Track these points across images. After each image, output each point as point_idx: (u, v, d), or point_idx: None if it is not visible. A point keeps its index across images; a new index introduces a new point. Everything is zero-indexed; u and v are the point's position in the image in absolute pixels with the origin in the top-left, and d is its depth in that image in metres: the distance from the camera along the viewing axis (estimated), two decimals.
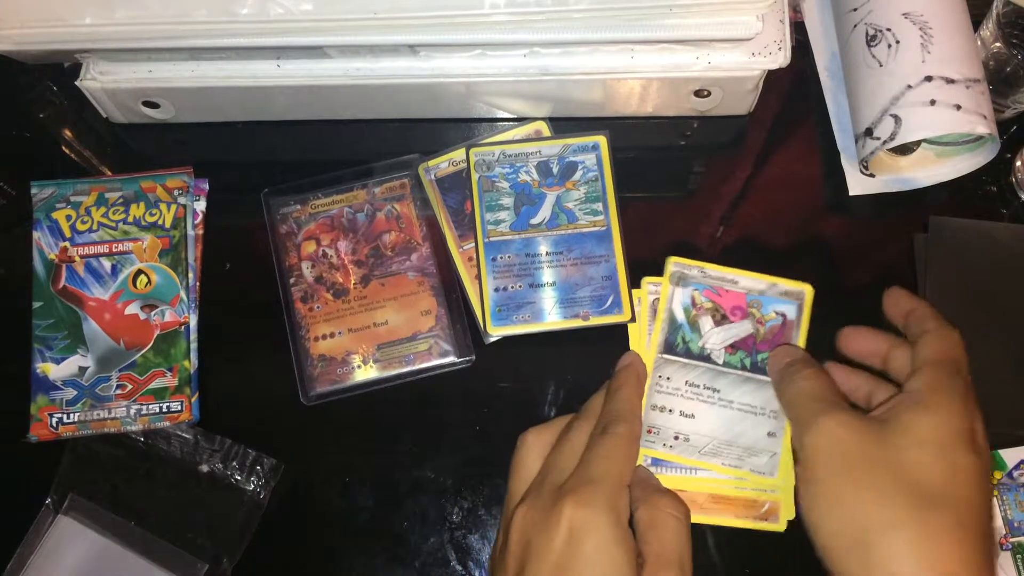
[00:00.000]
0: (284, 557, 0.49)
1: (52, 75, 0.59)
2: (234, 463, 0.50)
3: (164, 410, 0.50)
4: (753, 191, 0.56)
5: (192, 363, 0.51)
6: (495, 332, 0.51)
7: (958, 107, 0.48)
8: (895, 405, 0.39)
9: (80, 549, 0.48)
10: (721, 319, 0.47)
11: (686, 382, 0.47)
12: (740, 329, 0.47)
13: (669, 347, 0.47)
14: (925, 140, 0.53)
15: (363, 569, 0.49)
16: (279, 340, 0.52)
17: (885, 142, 0.50)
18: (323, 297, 0.53)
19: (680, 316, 0.48)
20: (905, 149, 0.54)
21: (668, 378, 0.47)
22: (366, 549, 0.49)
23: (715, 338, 0.47)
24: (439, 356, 0.51)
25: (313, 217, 0.54)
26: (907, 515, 0.35)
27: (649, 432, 0.46)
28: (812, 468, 0.38)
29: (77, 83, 0.54)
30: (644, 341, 0.48)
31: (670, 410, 0.46)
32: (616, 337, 0.51)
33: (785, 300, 0.48)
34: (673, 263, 0.49)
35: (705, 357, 0.47)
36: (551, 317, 0.51)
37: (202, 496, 0.49)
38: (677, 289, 0.48)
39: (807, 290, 0.48)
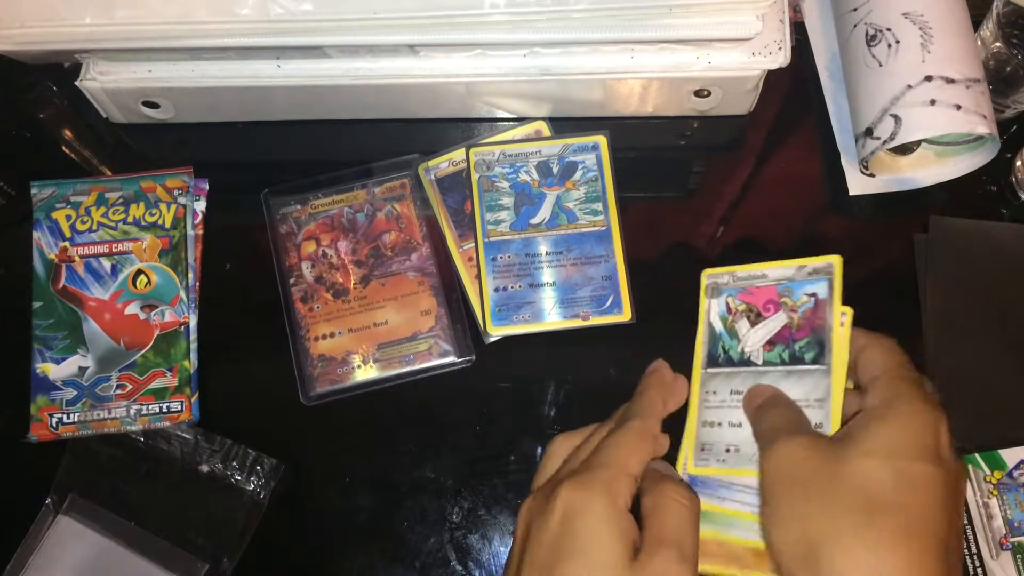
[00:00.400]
0: (284, 557, 0.49)
1: (52, 75, 0.59)
2: (234, 463, 0.50)
3: (164, 410, 0.50)
4: (753, 191, 0.56)
5: (192, 363, 0.51)
6: (495, 332, 0.51)
7: (958, 107, 0.48)
8: (853, 423, 0.38)
9: (80, 549, 0.48)
10: (756, 318, 0.46)
11: (731, 391, 0.45)
12: (775, 323, 0.45)
13: (712, 360, 0.46)
14: (925, 140, 0.53)
15: (363, 569, 0.49)
16: (279, 340, 0.52)
17: (885, 142, 0.50)
18: (323, 297, 0.53)
19: (718, 326, 0.46)
20: (905, 149, 0.54)
21: (714, 392, 0.46)
22: (366, 549, 0.49)
23: (753, 339, 0.45)
24: (439, 356, 0.51)
25: (313, 217, 0.54)
26: (851, 523, 0.35)
27: (703, 450, 0.45)
28: (767, 489, 0.38)
29: (77, 83, 0.54)
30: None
31: (719, 423, 0.45)
32: (616, 337, 0.51)
33: (814, 279, 0.45)
34: (707, 276, 0.47)
35: (746, 362, 0.45)
36: (551, 317, 0.51)
37: (202, 496, 0.49)
38: (713, 300, 0.47)
39: (835, 262, 0.45)
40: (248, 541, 0.49)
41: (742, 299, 0.46)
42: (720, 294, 0.47)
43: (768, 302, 0.46)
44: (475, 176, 0.53)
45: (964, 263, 0.52)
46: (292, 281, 0.53)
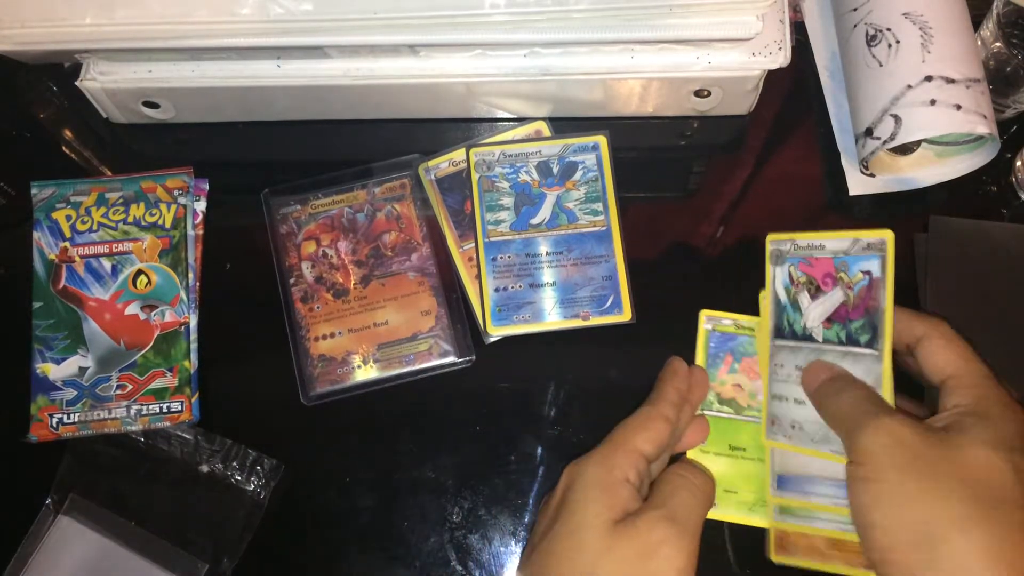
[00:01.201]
0: (284, 557, 0.49)
1: (52, 75, 0.59)
2: (234, 463, 0.50)
3: (164, 410, 0.50)
4: (753, 191, 0.56)
5: (192, 363, 0.51)
6: (495, 332, 0.51)
7: (958, 107, 0.48)
8: (951, 415, 0.39)
9: (80, 549, 0.48)
10: (816, 291, 0.45)
11: (795, 367, 0.45)
12: (833, 299, 0.44)
13: (779, 332, 0.46)
14: (925, 140, 0.53)
15: (363, 569, 0.49)
16: (279, 340, 0.52)
17: (885, 142, 0.50)
18: (323, 297, 0.53)
19: (783, 297, 0.46)
20: (905, 149, 0.54)
21: (781, 365, 0.45)
22: (366, 549, 0.49)
23: (814, 314, 0.45)
24: (439, 356, 0.51)
25: (313, 217, 0.54)
26: (976, 514, 0.34)
27: (772, 424, 0.45)
28: (873, 466, 0.37)
29: (77, 83, 0.54)
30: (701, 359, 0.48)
31: (786, 398, 0.45)
32: (616, 337, 0.51)
33: (868, 255, 0.44)
34: (771, 242, 0.47)
35: (808, 337, 0.45)
36: (551, 317, 0.51)
37: (202, 496, 0.49)
38: (777, 269, 0.46)
39: (888, 237, 0.44)
40: (248, 541, 0.49)
41: (803, 270, 0.45)
42: (783, 262, 0.46)
43: (826, 276, 0.45)
44: (475, 176, 0.53)
45: (964, 263, 0.52)
46: (292, 281, 0.53)
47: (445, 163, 0.55)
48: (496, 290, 0.51)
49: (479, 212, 0.53)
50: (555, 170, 0.53)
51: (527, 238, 0.52)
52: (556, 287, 0.51)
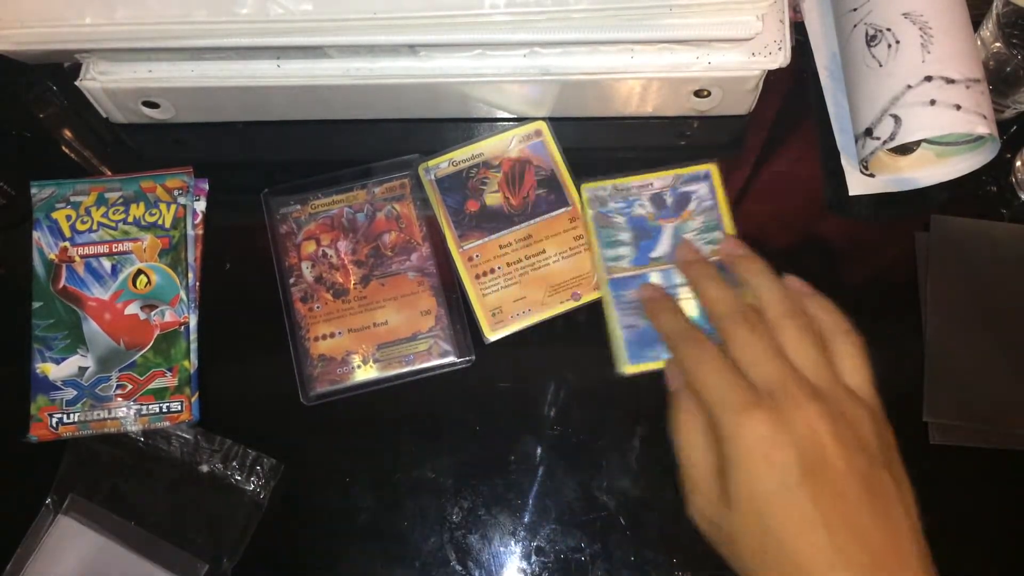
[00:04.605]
0: (284, 557, 0.49)
1: (52, 75, 0.59)
2: (234, 463, 0.50)
3: (164, 410, 0.50)
4: (753, 191, 0.56)
5: (192, 363, 0.51)
6: (631, 371, 0.48)
7: (958, 107, 0.48)
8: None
9: (80, 549, 0.48)
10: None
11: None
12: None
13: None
14: (925, 140, 0.53)
15: (363, 569, 0.49)
16: (279, 340, 0.52)
17: (885, 142, 0.50)
18: (323, 297, 0.53)
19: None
20: (905, 149, 0.54)
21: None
22: (366, 549, 0.49)
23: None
24: (439, 356, 0.51)
25: (313, 217, 0.54)
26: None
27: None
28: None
29: (77, 83, 0.53)
30: None
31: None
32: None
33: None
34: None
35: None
36: None
37: (202, 496, 0.49)
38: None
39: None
40: (248, 541, 0.49)
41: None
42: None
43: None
44: (589, 212, 0.52)
45: (965, 263, 0.52)
46: (292, 281, 0.53)
47: (445, 163, 0.55)
48: (626, 327, 0.50)
49: (597, 249, 0.52)
50: (668, 201, 0.52)
51: (649, 272, 0.51)
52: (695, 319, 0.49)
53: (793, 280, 0.46)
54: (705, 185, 0.52)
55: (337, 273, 0.53)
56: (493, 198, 0.54)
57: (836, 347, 0.42)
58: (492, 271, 0.53)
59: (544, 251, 0.53)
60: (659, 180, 0.53)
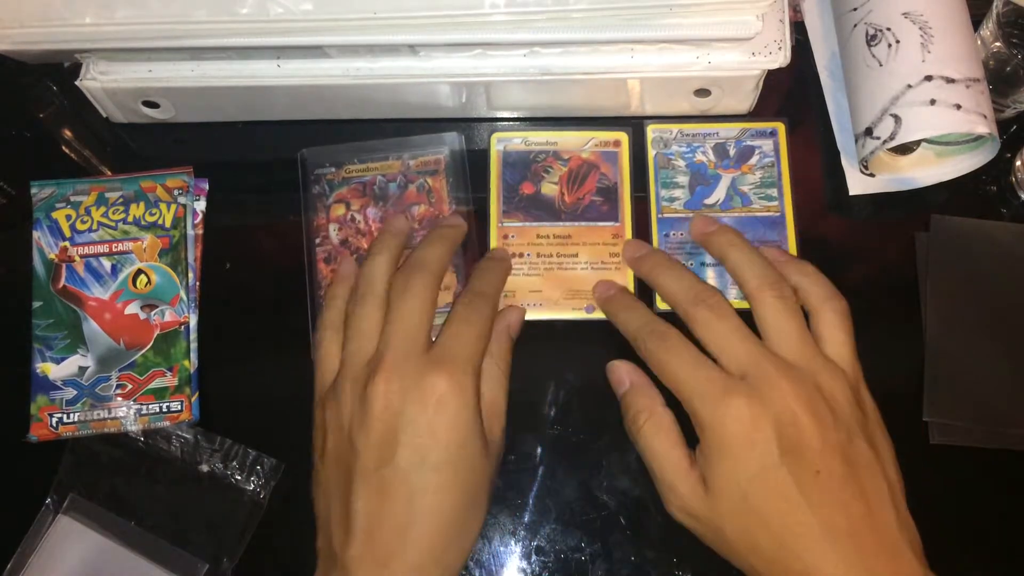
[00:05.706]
0: (284, 557, 0.49)
1: (52, 75, 0.59)
2: (234, 463, 0.50)
3: (164, 410, 0.50)
4: None
5: (192, 363, 0.51)
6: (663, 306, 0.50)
7: (958, 107, 0.48)
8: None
9: (80, 549, 0.48)
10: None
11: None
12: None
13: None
14: (925, 140, 0.53)
15: None
16: (279, 340, 0.52)
17: (885, 142, 0.50)
18: None
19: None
20: (905, 149, 0.54)
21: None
22: None
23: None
24: None
25: (346, 181, 0.54)
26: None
27: None
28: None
29: (77, 83, 0.53)
30: None
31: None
32: (617, 335, 0.51)
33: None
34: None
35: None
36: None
37: (202, 496, 0.49)
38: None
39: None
40: (248, 541, 0.49)
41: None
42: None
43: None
44: (651, 152, 0.54)
45: (965, 262, 0.52)
46: (318, 241, 0.53)
47: (519, 139, 0.55)
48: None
49: (654, 188, 0.53)
50: (731, 152, 0.54)
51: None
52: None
53: (771, 249, 0.46)
54: (771, 142, 0.54)
55: (363, 239, 0.53)
56: (549, 188, 0.54)
57: (818, 315, 0.43)
58: (521, 255, 0.53)
59: (577, 255, 0.53)
60: (725, 130, 0.54)
